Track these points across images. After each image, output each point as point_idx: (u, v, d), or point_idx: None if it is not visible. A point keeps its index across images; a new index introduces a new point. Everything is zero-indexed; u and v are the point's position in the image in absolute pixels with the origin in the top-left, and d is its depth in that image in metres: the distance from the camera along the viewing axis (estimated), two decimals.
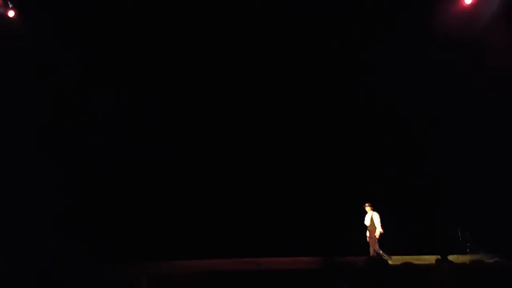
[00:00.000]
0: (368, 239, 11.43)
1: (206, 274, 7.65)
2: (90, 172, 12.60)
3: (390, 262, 6.19)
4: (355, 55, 12.42)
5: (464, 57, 11.53)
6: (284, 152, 13.26)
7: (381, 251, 11.17)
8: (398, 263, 4.74)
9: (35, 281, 6.97)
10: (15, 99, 11.58)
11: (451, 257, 11.10)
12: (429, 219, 12.37)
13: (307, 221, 12.59)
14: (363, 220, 11.52)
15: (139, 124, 12.94)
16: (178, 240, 12.11)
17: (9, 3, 11.59)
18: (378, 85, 12.31)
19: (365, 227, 11.50)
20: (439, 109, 12.16)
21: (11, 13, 11.64)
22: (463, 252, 11.52)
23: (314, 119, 13.28)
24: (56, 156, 12.22)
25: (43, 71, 11.78)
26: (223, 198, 12.85)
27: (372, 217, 11.33)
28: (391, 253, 11.08)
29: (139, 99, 12.88)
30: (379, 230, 11.18)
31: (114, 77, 12.50)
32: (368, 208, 11.48)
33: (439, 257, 10.89)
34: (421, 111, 12.32)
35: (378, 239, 11.20)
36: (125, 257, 11.07)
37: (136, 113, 12.92)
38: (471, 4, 11.41)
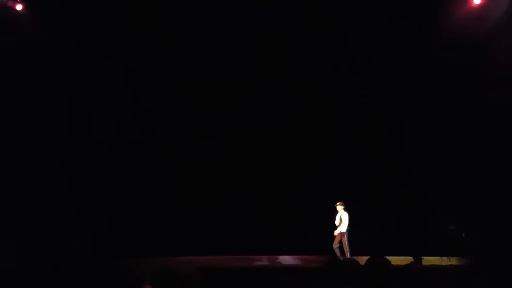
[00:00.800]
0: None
1: (209, 269, 7.69)
2: (95, 168, 12.67)
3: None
4: (358, 55, 12.36)
5: (472, 58, 11.48)
6: (280, 151, 13.26)
7: (337, 251, 11.32)
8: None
9: (39, 274, 7.04)
10: (22, 96, 11.54)
11: (453, 259, 11.10)
12: (419, 220, 12.39)
13: (306, 220, 12.59)
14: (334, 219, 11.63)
15: (140, 122, 12.99)
16: (180, 236, 12.17)
17: None
18: (382, 85, 12.27)
19: (335, 226, 11.55)
20: (445, 109, 12.10)
21: (19, 7, 11.55)
22: (465, 254, 11.48)
23: (314, 121, 13.23)
24: (63, 152, 12.26)
25: (52, 67, 11.75)
26: (223, 196, 12.87)
27: (341, 217, 11.49)
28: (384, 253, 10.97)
29: (142, 97, 12.91)
30: (340, 229, 11.32)
31: (121, 74, 12.49)
32: (339, 207, 11.59)
33: (412, 259, 10.99)
34: (426, 111, 12.26)
35: (339, 238, 11.34)
36: (128, 252, 11.14)
37: (138, 111, 12.94)
38: (480, 4, 11.34)
